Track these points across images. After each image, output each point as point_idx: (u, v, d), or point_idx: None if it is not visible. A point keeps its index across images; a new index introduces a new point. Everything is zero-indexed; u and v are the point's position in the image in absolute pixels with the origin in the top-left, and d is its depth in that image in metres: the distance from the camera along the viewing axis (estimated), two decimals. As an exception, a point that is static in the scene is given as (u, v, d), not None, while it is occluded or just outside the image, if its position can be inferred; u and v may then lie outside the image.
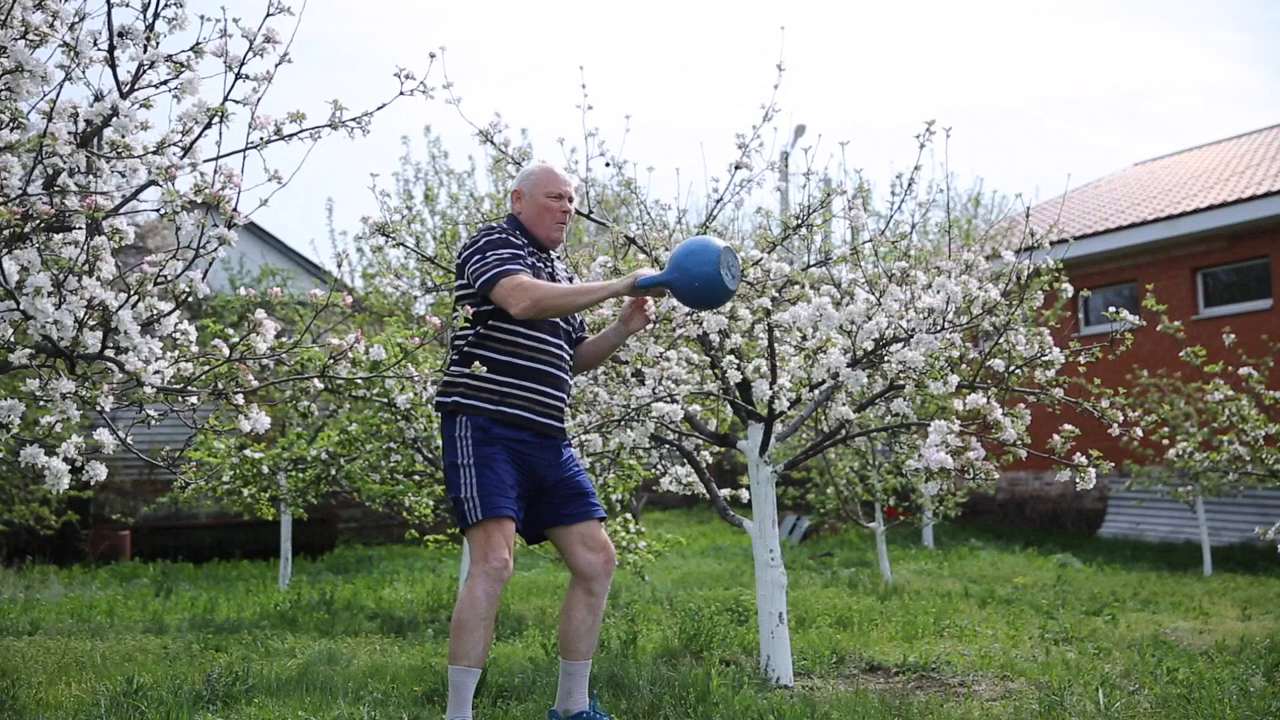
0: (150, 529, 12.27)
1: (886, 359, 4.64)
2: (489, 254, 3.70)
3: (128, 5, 3.06)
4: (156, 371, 3.06)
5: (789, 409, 4.85)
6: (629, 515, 7.82)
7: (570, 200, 3.92)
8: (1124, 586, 8.91)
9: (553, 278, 3.90)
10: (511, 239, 3.79)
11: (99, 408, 3.12)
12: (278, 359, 3.22)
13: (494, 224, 3.91)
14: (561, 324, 3.89)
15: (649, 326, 4.22)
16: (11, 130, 2.85)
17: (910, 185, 5.19)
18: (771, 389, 4.69)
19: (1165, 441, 8.62)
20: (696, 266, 3.65)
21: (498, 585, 3.56)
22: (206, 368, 3.15)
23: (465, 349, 3.77)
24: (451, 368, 3.82)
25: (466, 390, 3.74)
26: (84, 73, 3.00)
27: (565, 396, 3.88)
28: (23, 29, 2.88)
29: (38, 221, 2.85)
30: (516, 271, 3.66)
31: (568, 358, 3.91)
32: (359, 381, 3.59)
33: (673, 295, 3.78)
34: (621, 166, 5.46)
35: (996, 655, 5.47)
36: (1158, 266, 14.06)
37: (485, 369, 3.62)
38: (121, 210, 2.99)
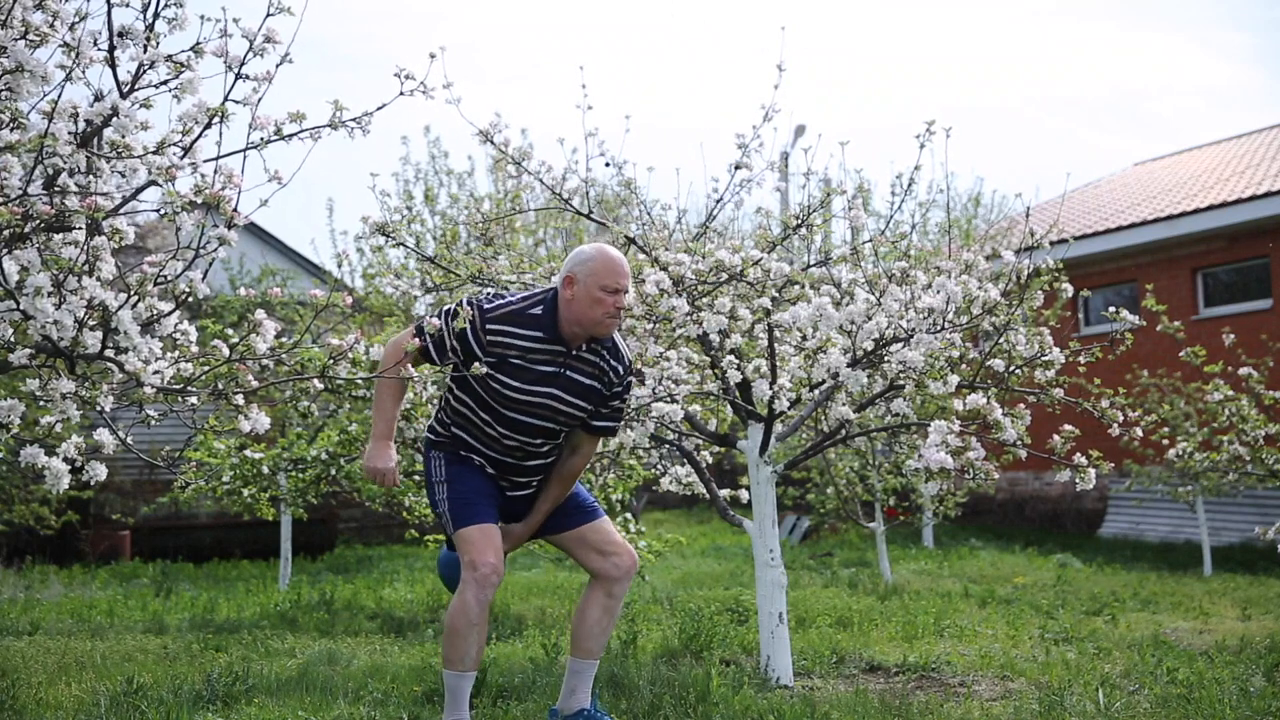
0: (150, 529, 12.26)
1: (886, 359, 4.64)
2: (443, 311, 3.58)
3: (128, 5, 3.07)
4: (156, 372, 3.06)
5: (789, 409, 4.85)
6: (629, 515, 7.82)
7: (626, 293, 3.60)
8: (1124, 586, 8.91)
9: (562, 377, 3.60)
10: (477, 318, 3.52)
11: (99, 408, 3.13)
12: (278, 359, 3.22)
13: (501, 300, 3.62)
14: (545, 421, 3.63)
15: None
16: (11, 130, 2.85)
17: (910, 185, 5.19)
18: (771, 389, 4.69)
19: (1165, 441, 8.61)
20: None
21: (487, 590, 3.53)
22: (206, 368, 3.15)
23: (440, 405, 3.79)
24: (435, 415, 3.83)
25: (439, 433, 3.78)
26: (84, 73, 3.00)
27: (533, 479, 3.77)
28: (23, 29, 2.88)
29: (38, 221, 2.85)
30: (411, 336, 3.57)
31: (544, 451, 3.73)
32: (359, 381, 3.59)
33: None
34: (621, 166, 5.47)
35: (996, 655, 5.47)
36: (1158, 266, 14.06)
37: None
38: (121, 210, 2.99)
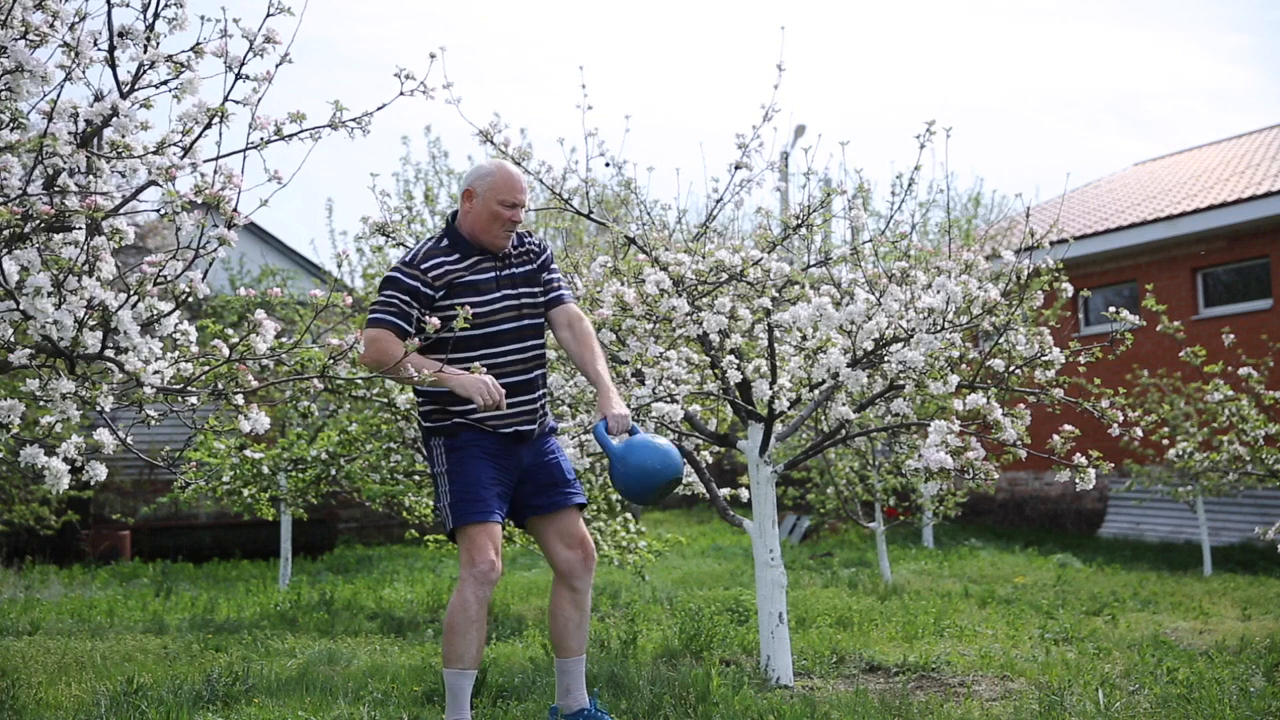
0: (150, 529, 12.27)
1: (886, 359, 4.64)
2: (379, 295, 3.68)
3: (128, 5, 3.07)
4: (156, 372, 3.06)
5: (789, 409, 4.85)
6: (629, 515, 7.82)
7: (522, 208, 3.78)
8: (1124, 586, 8.91)
9: (501, 278, 3.76)
10: (403, 277, 3.65)
11: (99, 408, 3.12)
12: (278, 359, 3.22)
13: (411, 250, 3.79)
14: (514, 323, 3.75)
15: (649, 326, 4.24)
16: (11, 130, 2.85)
17: (910, 185, 5.19)
18: (771, 389, 4.69)
19: (1165, 441, 8.61)
20: (639, 476, 3.70)
21: (486, 588, 3.55)
22: (206, 368, 3.15)
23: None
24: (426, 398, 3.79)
25: (432, 415, 3.75)
26: (84, 73, 3.00)
27: (532, 397, 3.78)
28: (23, 29, 2.88)
29: (38, 221, 2.85)
30: (377, 323, 3.62)
31: (529, 356, 3.79)
32: (359, 381, 3.59)
33: (610, 466, 3.77)
34: (621, 166, 5.47)
35: (996, 655, 5.47)
36: (1158, 266, 14.06)
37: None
38: (121, 210, 2.99)
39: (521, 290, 3.81)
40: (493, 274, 3.77)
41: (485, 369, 3.57)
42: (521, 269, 3.84)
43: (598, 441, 3.75)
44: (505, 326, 3.74)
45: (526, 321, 3.80)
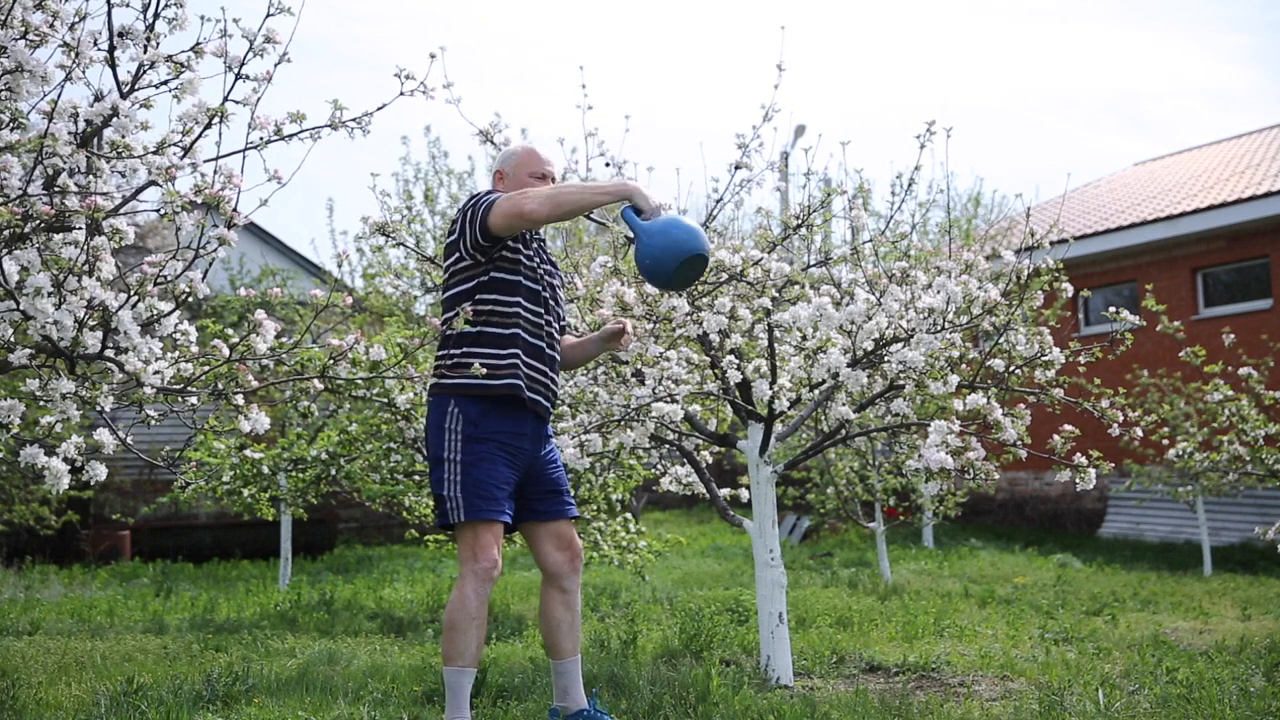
0: (150, 529, 12.26)
1: (886, 359, 4.64)
2: (486, 197, 3.69)
3: (128, 5, 3.07)
4: (156, 372, 3.06)
5: (789, 409, 4.85)
6: (629, 515, 7.82)
7: (554, 180, 3.89)
8: (1124, 586, 8.91)
9: (547, 260, 3.88)
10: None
11: (99, 408, 3.12)
12: (278, 359, 3.22)
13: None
14: (557, 308, 3.86)
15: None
16: (11, 130, 2.85)
17: (910, 185, 5.19)
18: (771, 389, 4.69)
19: (1165, 441, 8.62)
20: (666, 247, 3.63)
21: (487, 585, 3.54)
22: (206, 368, 3.15)
23: (470, 346, 3.63)
24: (447, 344, 3.68)
25: (464, 359, 3.60)
26: (84, 73, 3.00)
27: (555, 374, 3.85)
28: (23, 29, 2.88)
29: (38, 221, 2.85)
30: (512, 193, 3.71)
31: (556, 335, 3.87)
32: (359, 381, 3.59)
33: (635, 248, 3.72)
34: (621, 166, 5.46)
35: (996, 655, 5.47)
36: (1158, 266, 14.06)
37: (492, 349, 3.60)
38: (121, 210, 2.99)
39: (553, 269, 3.91)
40: (539, 254, 3.87)
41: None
42: (546, 250, 3.95)
43: (626, 221, 3.69)
44: (552, 288, 3.85)
45: (556, 301, 3.89)
